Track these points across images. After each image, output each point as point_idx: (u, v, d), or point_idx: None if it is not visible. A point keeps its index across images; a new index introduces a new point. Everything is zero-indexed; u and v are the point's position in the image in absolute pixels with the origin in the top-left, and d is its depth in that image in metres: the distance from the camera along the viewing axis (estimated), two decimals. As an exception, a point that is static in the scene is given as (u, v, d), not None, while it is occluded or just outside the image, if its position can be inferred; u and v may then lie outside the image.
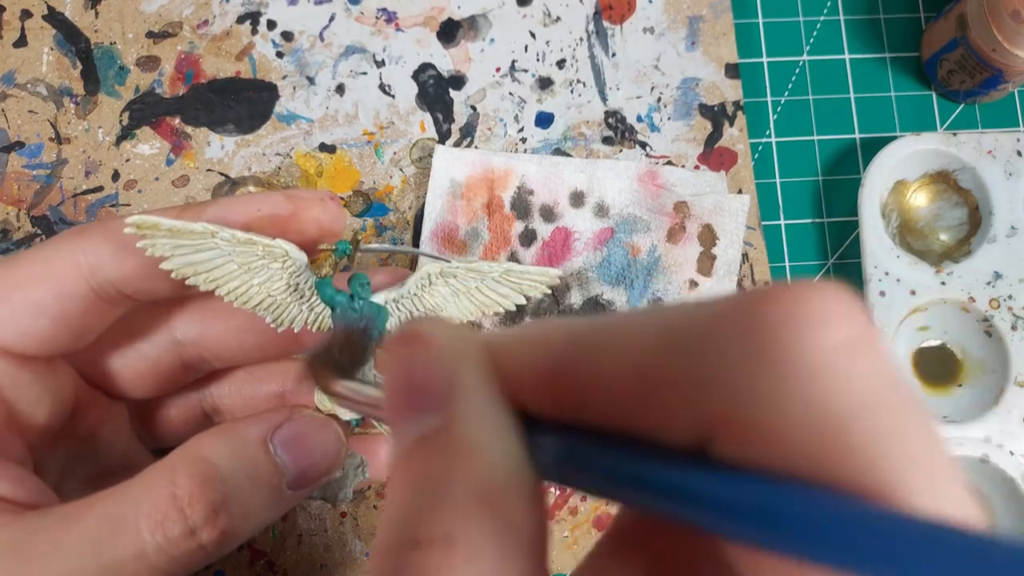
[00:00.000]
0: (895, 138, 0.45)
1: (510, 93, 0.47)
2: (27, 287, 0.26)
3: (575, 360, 0.15)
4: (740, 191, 0.46)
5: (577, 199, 0.45)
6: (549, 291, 0.35)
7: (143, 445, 0.34)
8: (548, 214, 0.45)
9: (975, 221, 0.46)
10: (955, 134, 0.45)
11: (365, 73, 0.47)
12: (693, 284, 0.45)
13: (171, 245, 0.26)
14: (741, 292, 0.14)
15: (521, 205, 0.45)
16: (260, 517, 0.27)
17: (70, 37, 0.46)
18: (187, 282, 0.27)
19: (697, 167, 0.46)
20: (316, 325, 0.30)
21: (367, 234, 0.45)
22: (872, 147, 0.46)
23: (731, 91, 0.47)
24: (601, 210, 0.45)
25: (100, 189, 0.45)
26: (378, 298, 0.31)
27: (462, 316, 0.33)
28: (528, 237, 0.45)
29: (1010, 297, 0.44)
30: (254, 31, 0.47)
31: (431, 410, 0.16)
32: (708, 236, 0.45)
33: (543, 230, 0.45)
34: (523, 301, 0.34)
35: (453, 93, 0.47)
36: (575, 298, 0.44)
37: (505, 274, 0.33)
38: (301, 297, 0.30)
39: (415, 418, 0.16)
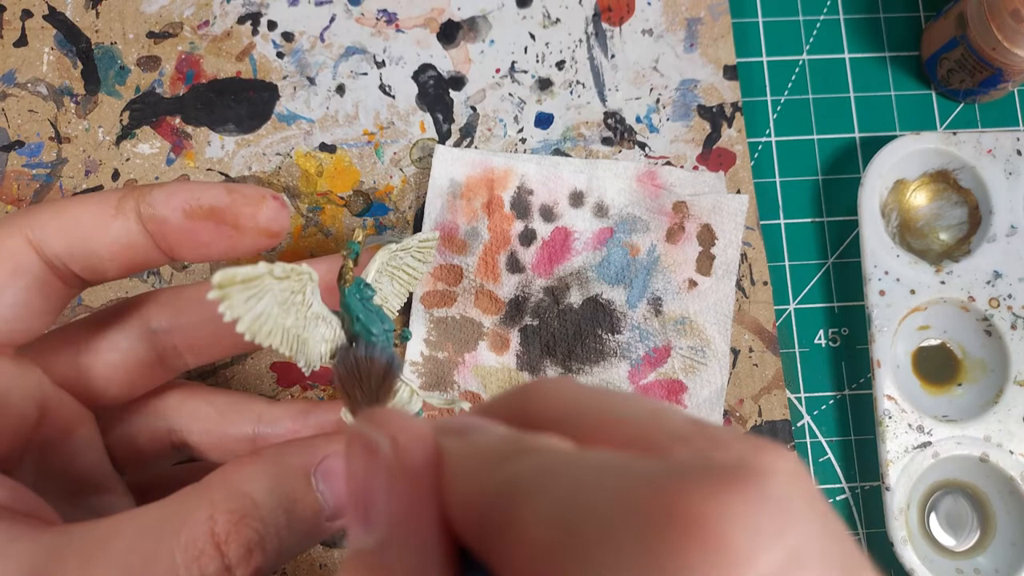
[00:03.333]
0: (895, 137, 0.45)
1: (510, 94, 0.47)
2: None
3: (498, 520, 0.15)
4: (739, 191, 0.46)
5: (576, 199, 0.45)
6: (433, 252, 0.35)
7: (118, 475, 0.32)
8: (548, 214, 0.45)
9: (975, 220, 0.46)
10: (955, 133, 0.45)
11: (365, 74, 0.47)
12: (692, 283, 0.45)
13: (242, 299, 0.25)
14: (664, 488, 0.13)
15: (521, 205, 0.45)
16: (295, 551, 0.26)
17: (71, 37, 0.46)
18: (256, 340, 0.26)
19: (696, 168, 0.46)
20: (327, 354, 0.29)
21: (366, 231, 0.45)
22: (872, 146, 0.46)
23: (729, 92, 0.47)
24: (600, 210, 0.45)
25: (100, 188, 0.45)
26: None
27: (399, 300, 0.33)
28: (528, 237, 0.45)
29: (1010, 296, 0.44)
30: (255, 32, 0.47)
31: (369, 526, 0.16)
32: (707, 236, 0.45)
33: (543, 230, 0.45)
34: (426, 269, 0.34)
35: (453, 94, 0.47)
36: (575, 297, 0.44)
37: (419, 244, 0.33)
38: (315, 325, 0.28)
39: (358, 528, 0.16)
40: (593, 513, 0.13)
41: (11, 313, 0.26)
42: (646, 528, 0.12)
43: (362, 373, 0.28)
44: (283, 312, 0.27)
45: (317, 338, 0.29)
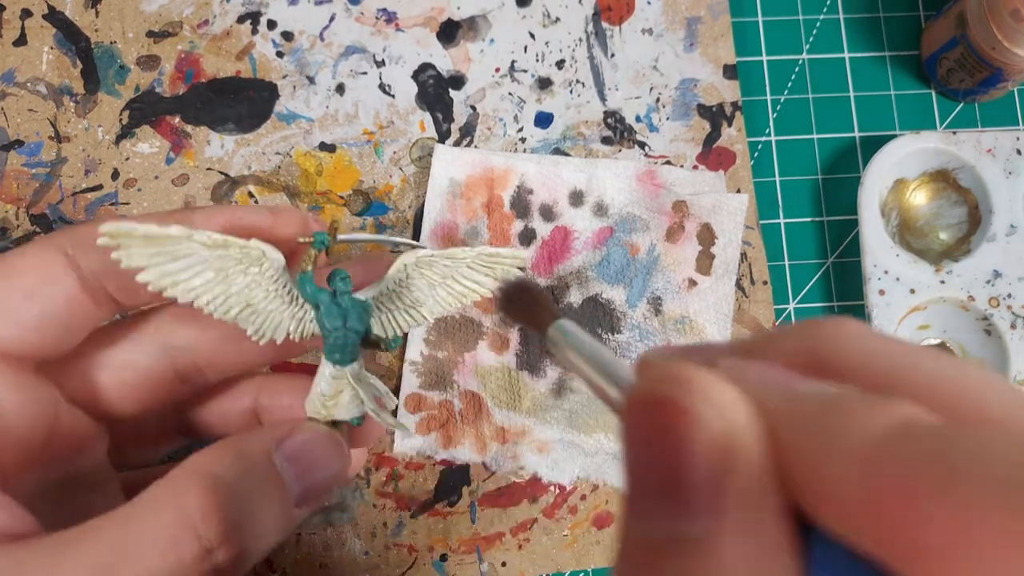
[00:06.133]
0: (894, 137, 0.45)
1: (509, 93, 0.47)
2: (16, 277, 0.26)
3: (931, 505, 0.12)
4: (738, 191, 0.46)
5: (576, 198, 0.45)
6: (520, 271, 0.33)
7: (113, 472, 0.31)
8: (547, 213, 0.45)
9: (975, 220, 0.46)
10: (954, 133, 0.45)
11: (365, 73, 0.47)
12: (692, 283, 0.44)
13: (147, 254, 0.25)
14: None
15: (520, 204, 0.45)
16: (272, 536, 0.25)
17: (70, 36, 0.46)
18: (164, 294, 0.26)
19: (696, 167, 0.46)
20: (299, 332, 0.29)
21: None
22: (872, 145, 0.46)
23: (729, 92, 0.47)
24: (600, 209, 0.45)
25: (99, 187, 0.45)
26: (360, 296, 0.30)
27: (441, 308, 0.32)
28: (527, 236, 0.45)
29: (1009, 296, 0.44)
30: (254, 31, 0.47)
31: (687, 514, 0.13)
32: (707, 235, 0.45)
33: (542, 229, 0.45)
34: (495, 286, 0.32)
35: (453, 93, 0.47)
36: (574, 297, 0.44)
37: (477, 259, 0.32)
38: (281, 301, 0.29)
39: (665, 515, 0.13)
40: None
41: (37, 325, 0.26)
42: None
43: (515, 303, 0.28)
44: (222, 278, 0.27)
45: (286, 315, 0.29)
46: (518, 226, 0.45)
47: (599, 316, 0.44)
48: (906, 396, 0.14)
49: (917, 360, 0.15)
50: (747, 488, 0.13)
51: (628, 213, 0.45)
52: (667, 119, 0.47)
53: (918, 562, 0.11)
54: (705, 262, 0.45)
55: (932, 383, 0.14)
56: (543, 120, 0.47)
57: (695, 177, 0.46)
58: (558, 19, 0.48)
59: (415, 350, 0.43)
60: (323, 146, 0.46)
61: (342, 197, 0.45)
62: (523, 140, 0.47)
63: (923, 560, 0.11)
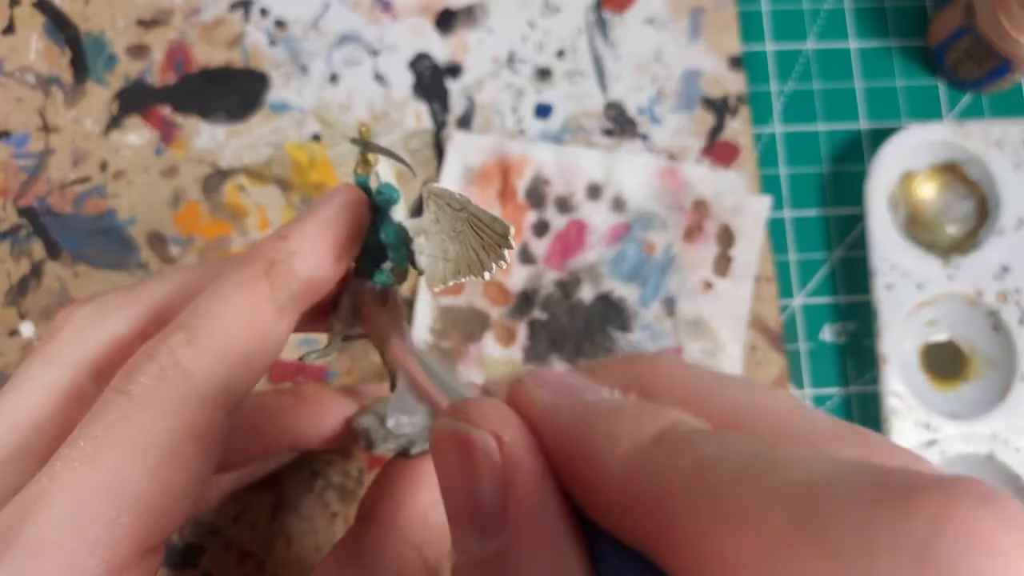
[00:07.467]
0: (900, 128, 0.44)
1: (508, 84, 0.46)
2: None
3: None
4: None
5: (594, 192, 0.44)
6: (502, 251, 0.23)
7: None
8: (563, 205, 0.44)
9: (983, 213, 0.45)
10: (963, 124, 0.44)
11: (360, 63, 0.46)
12: (707, 285, 0.43)
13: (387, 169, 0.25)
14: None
15: (536, 195, 0.44)
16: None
17: (59, 25, 0.45)
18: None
19: (699, 160, 0.46)
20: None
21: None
22: (877, 137, 0.45)
23: (734, 84, 0.46)
24: (618, 204, 0.44)
25: (88, 179, 0.44)
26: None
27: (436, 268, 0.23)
28: (541, 228, 0.44)
29: (1018, 291, 0.43)
30: (247, 19, 0.46)
31: (487, 532, 0.15)
32: (726, 237, 0.44)
33: (557, 222, 0.44)
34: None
35: (450, 83, 0.46)
36: (586, 292, 0.43)
37: (465, 215, 0.21)
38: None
39: (472, 534, 0.15)
40: (843, 506, 0.11)
41: (203, 475, 0.21)
42: (920, 537, 0.11)
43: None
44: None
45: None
46: (532, 217, 0.44)
47: (610, 313, 0.43)
48: (695, 410, 0.15)
49: (718, 385, 0.16)
50: (530, 512, 0.14)
51: (646, 210, 0.44)
52: (670, 111, 0.46)
53: (673, 560, 0.13)
54: (723, 264, 0.44)
55: (725, 403, 0.16)
56: (543, 111, 0.46)
57: (717, 176, 0.45)
58: (558, 8, 0.47)
59: (419, 338, 0.43)
60: (316, 137, 0.45)
61: (337, 189, 0.44)
62: (522, 132, 0.46)
63: (677, 559, 0.12)
